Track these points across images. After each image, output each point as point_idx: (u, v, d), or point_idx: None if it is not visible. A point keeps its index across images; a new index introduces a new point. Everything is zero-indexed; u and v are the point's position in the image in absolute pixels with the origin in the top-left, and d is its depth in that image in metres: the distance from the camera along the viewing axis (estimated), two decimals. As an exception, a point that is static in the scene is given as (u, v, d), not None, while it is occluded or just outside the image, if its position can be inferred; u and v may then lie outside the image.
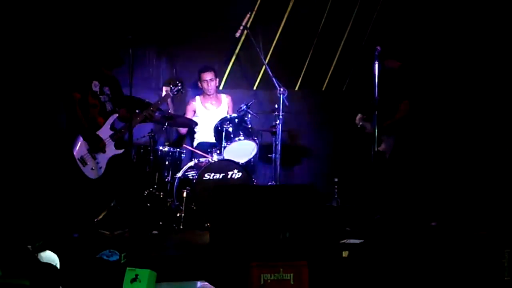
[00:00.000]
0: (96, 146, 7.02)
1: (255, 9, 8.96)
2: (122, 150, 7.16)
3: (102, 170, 7.05)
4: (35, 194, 7.62)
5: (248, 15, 8.36)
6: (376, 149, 6.99)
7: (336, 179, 8.63)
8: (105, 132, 7.13)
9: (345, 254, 5.98)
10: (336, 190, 8.61)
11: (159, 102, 7.46)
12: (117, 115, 7.20)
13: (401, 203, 7.34)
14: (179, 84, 7.63)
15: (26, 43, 7.95)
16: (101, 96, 7.21)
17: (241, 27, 8.32)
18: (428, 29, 8.76)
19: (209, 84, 8.32)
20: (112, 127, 7.18)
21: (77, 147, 7.00)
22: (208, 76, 8.31)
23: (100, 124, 7.16)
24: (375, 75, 6.80)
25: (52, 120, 8.02)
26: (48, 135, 7.97)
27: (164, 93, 7.74)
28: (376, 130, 6.90)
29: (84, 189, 7.01)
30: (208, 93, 8.38)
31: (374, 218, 7.00)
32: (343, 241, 6.59)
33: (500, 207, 7.75)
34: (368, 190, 7.29)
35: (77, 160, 6.96)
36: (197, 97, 8.43)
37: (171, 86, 7.64)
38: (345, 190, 8.57)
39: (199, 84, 8.37)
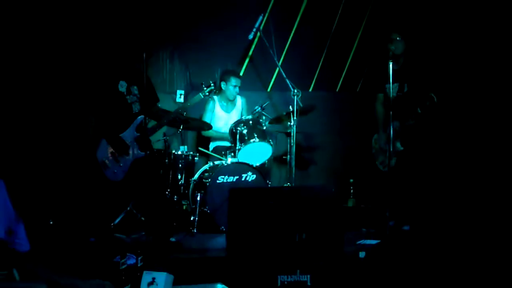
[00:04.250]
0: (119, 149, 7.00)
1: (268, 10, 8.97)
2: (146, 153, 7.14)
3: (125, 173, 7.03)
4: (56, 196, 7.64)
5: (261, 17, 8.36)
6: (392, 150, 6.94)
7: (351, 180, 8.62)
8: (130, 134, 7.10)
9: (362, 255, 5.97)
10: (351, 191, 8.60)
11: (188, 104, 7.44)
12: (143, 116, 7.15)
13: (417, 207, 7.30)
14: (212, 84, 7.55)
15: (54, 47, 8.00)
16: (128, 97, 7.17)
17: (254, 29, 8.32)
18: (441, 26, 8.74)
19: (235, 89, 8.32)
20: (138, 128, 7.13)
21: (101, 150, 6.99)
22: (237, 81, 8.33)
23: (126, 126, 7.13)
24: (389, 75, 6.75)
25: (81, 123, 8.02)
26: (76, 138, 7.98)
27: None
28: (393, 131, 6.84)
29: (104, 192, 7.00)
30: (231, 98, 8.38)
31: (388, 224, 6.97)
32: (360, 242, 6.58)
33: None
34: (383, 191, 7.24)
35: (100, 163, 6.95)
36: (215, 97, 8.42)
37: (203, 86, 7.54)
38: (360, 191, 8.55)
39: (223, 85, 8.35)
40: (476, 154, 8.39)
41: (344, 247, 5.81)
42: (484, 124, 8.37)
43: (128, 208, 7.28)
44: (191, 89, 8.74)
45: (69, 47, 8.09)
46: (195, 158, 7.84)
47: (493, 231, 6.88)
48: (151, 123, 7.35)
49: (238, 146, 7.74)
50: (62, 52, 8.06)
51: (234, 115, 8.31)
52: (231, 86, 8.30)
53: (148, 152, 7.11)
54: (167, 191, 7.46)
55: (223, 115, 8.37)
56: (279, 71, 8.34)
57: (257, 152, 7.87)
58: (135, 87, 7.24)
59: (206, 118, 8.28)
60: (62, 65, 8.07)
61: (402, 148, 7.22)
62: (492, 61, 8.39)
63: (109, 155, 6.98)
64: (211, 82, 7.48)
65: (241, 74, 8.81)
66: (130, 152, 7.06)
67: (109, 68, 7.31)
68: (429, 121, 7.23)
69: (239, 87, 8.36)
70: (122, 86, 7.17)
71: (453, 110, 8.29)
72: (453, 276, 5.83)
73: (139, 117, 7.08)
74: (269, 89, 9.20)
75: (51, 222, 7.10)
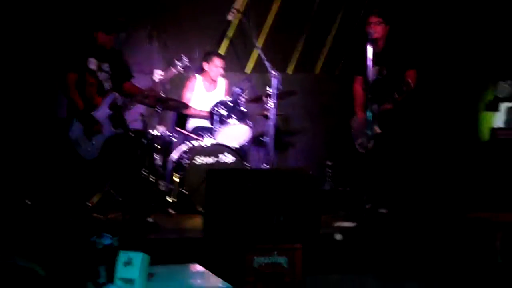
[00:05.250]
0: (90, 128, 6.96)
1: (248, -10, 8.93)
2: (120, 131, 7.10)
3: (98, 151, 6.99)
4: (32, 176, 7.59)
5: (241, -3, 8.33)
6: (371, 133, 6.95)
7: (329, 163, 8.62)
8: (102, 112, 7.06)
9: (338, 237, 5.98)
10: (329, 174, 8.60)
11: (163, 80, 7.40)
12: (116, 94, 7.10)
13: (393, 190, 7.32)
14: (184, 59, 7.47)
15: (18, 24, 7.90)
16: (99, 74, 7.12)
17: (233, 10, 8.28)
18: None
19: (218, 70, 8.28)
20: (111, 106, 7.08)
21: (73, 128, 6.95)
22: (221, 63, 8.28)
23: (98, 104, 7.09)
24: (367, 58, 6.75)
25: (52, 101, 7.96)
26: (49, 118, 7.91)
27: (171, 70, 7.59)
28: (371, 114, 6.85)
29: (79, 171, 6.97)
30: (214, 78, 8.33)
31: (365, 206, 6.99)
32: (337, 224, 6.60)
33: (493, 190, 7.76)
34: (361, 174, 7.26)
35: (72, 142, 6.91)
36: (198, 76, 8.37)
37: (176, 61, 7.47)
38: (338, 174, 8.56)
39: (206, 65, 8.30)
40: (451, 140, 8.48)
41: (321, 230, 5.83)
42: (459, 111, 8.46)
43: (105, 188, 7.23)
44: (170, 69, 8.69)
45: (37, 26, 8.00)
46: (173, 138, 7.80)
47: (467, 213, 6.94)
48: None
49: (216, 127, 7.72)
50: (29, 31, 7.97)
51: (215, 96, 8.26)
52: (214, 66, 8.26)
53: (121, 130, 7.08)
54: (145, 171, 7.43)
55: (204, 95, 8.32)
56: (258, 52, 8.31)
57: (236, 134, 7.86)
58: (106, 65, 7.19)
59: (186, 95, 8.24)
60: (29, 45, 7.98)
61: (380, 131, 7.22)
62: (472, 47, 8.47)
63: (82, 133, 6.94)
64: (182, 57, 7.42)
65: (215, 51, 8.76)
66: (103, 130, 7.03)
67: (77, 46, 7.26)
68: (406, 105, 7.23)
69: (222, 68, 8.33)
70: (92, 63, 7.12)
71: (431, 95, 8.33)
72: (429, 258, 5.87)
73: (111, 94, 7.05)
74: (248, 71, 9.17)
75: (28, 202, 7.05)
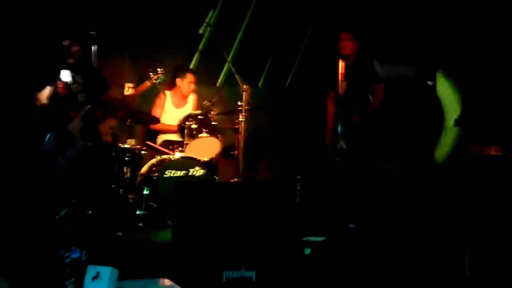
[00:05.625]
0: (63, 140, 6.93)
1: (219, 5, 8.95)
2: (91, 144, 7.08)
3: (70, 163, 6.96)
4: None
5: (211, 12, 8.34)
6: (339, 147, 7.00)
7: (298, 177, 8.64)
8: (75, 125, 7.03)
9: (307, 251, 6.00)
10: (298, 187, 8.62)
11: (134, 94, 7.38)
12: (89, 107, 7.08)
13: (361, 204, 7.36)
14: (159, 71, 7.44)
15: None
16: (72, 86, 7.10)
17: (204, 24, 8.30)
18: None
19: (190, 86, 8.27)
20: (84, 119, 7.06)
21: (47, 141, 6.92)
22: (192, 78, 8.27)
23: (71, 116, 7.06)
24: (338, 74, 6.81)
25: (25, 114, 7.90)
26: (21, 129, 7.85)
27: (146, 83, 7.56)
28: (340, 129, 6.90)
29: (49, 183, 6.93)
30: (186, 93, 8.32)
31: (334, 221, 7.03)
32: (305, 238, 6.62)
33: (462, 204, 7.83)
34: (329, 188, 7.30)
35: (45, 154, 6.88)
36: (167, 92, 8.35)
37: (150, 74, 7.44)
38: (307, 188, 8.59)
39: (179, 81, 8.26)
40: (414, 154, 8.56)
41: (289, 244, 5.84)
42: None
43: (74, 201, 7.20)
44: (141, 82, 8.68)
45: (11, 37, 7.95)
46: (142, 152, 7.78)
47: (435, 229, 6.99)
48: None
49: (186, 141, 7.72)
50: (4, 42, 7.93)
51: (185, 111, 8.26)
52: (187, 82, 8.26)
53: (93, 143, 7.06)
54: (114, 184, 7.41)
55: (173, 111, 8.30)
56: (229, 66, 8.33)
57: (205, 147, 7.85)
58: (79, 77, 7.17)
59: (156, 113, 8.23)
60: (5, 55, 7.92)
61: (345, 146, 7.27)
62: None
63: (54, 145, 6.91)
64: (158, 69, 7.42)
65: (188, 67, 8.78)
66: (76, 143, 7.01)
67: (50, 58, 7.24)
68: (370, 121, 7.28)
69: (194, 83, 8.34)
70: (65, 76, 7.10)
71: (395, 110, 8.41)
72: (397, 273, 5.91)
73: (85, 107, 7.03)
74: (218, 84, 9.19)
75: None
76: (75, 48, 7.20)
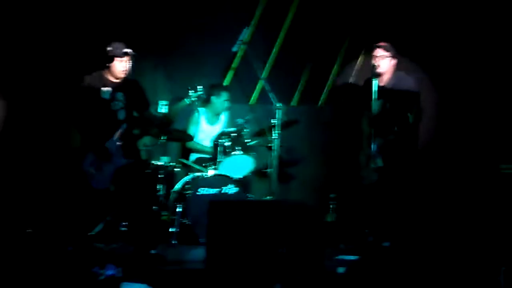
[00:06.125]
0: (101, 158, 6.97)
1: (253, 23, 8.98)
2: (128, 161, 7.10)
3: (108, 181, 7.00)
4: (37, 205, 7.58)
5: (246, 29, 8.35)
6: (375, 165, 6.95)
7: (332, 195, 8.61)
8: (114, 142, 7.07)
9: (341, 270, 5.96)
10: (331, 206, 8.58)
11: (172, 115, 7.41)
12: (126, 125, 7.12)
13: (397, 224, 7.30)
14: (199, 89, 7.48)
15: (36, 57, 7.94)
16: (112, 103, 7.13)
17: (238, 41, 8.32)
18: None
19: (225, 104, 8.33)
20: (122, 136, 7.09)
21: (86, 160, 6.96)
22: (228, 96, 8.35)
23: (111, 133, 7.10)
24: (372, 92, 6.76)
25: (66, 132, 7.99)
26: (62, 147, 7.93)
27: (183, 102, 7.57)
28: (375, 147, 6.85)
29: (87, 200, 6.96)
30: (220, 112, 8.39)
31: (368, 239, 6.97)
32: (339, 257, 6.58)
33: (497, 224, 7.73)
34: (363, 207, 7.25)
35: (84, 171, 6.92)
36: (201, 109, 8.38)
37: (190, 91, 7.46)
38: (341, 206, 8.54)
39: (213, 99, 8.33)
40: (454, 171, 8.46)
41: (323, 262, 5.80)
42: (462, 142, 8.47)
43: (108, 218, 7.22)
44: (174, 100, 8.71)
45: (52, 55, 8.04)
46: (176, 169, 7.80)
47: (471, 249, 6.91)
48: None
49: (220, 158, 7.73)
50: (44, 60, 8.00)
51: (218, 129, 8.28)
52: (222, 100, 8.29)
53: (131, 160, 7.08)
54: (147, 201, 7.42)
55: (207, 128, 8.34)
56: (262, 83, 8.34)
57: (239, 165, 7.86)
58: (121, 94, 7.19)
59: (190, 131, 8.26)
60: (43, 73, 8.00)
61: (382, 165, 7.22)
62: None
63: (93, 163, 6.95)
64: (197, 87, 7.42)
65: (223, 85, 8.80)
66: (113, 160, 7.04)
67: (91, 75, 7.28)
68: (407, 139, 7.23)
69: (228, 101, 8.37)
70: (105, 93, 7.13)
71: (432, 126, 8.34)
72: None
73: (123, 125, 7.06)
74: (252, 102, 9.20)
75: (29, 231, 7.03)
76: (123, 66, 7.20)
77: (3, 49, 7.62)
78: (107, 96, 7.13)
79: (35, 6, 7.80)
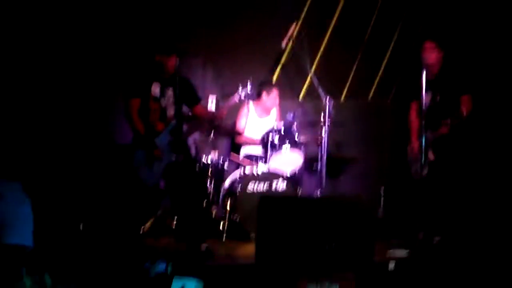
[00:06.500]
0: (150, 154, 7.03)
1: (301, 18, 8.97)
2: (180, 156, 7.14)
3: (158, 177, 7.07)
4: (88, 201, 7.68)
5: (294, 25, 8.32)
6: (424, 160, 6.88)
7: (382, 190, 8.56)
8: (163, 138, 7.12)
9: (391, 266, 5.93)
10: (382, 201, 8.54)
11: (225, 111, 7.46)
12: (175, 122, 7.17)
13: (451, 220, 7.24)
14: (249, 85, 7.49)
15: (89, 56, 8.07)
16: (162, 99, 7.19)
17: (287, 37, 8.30)
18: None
19: (276, 100, 8.38)
20: (172, 132, 7.14)
21: (137, 157, 7.04)
22: (278, 93, 8.38)
23: (160, 130, 7.16)
24: (422, 84, 6.69)
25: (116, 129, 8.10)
26: (110, 143, 8.05)
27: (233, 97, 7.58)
28: (425, 141, 6.77)
29: (137, 196, 7.04)
30: (270, 107, 8.44)
31: (419, 234, 6.91)
32: (390, 252, 6.54)
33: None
34: (414, 201, 7.19)
35: (134, 168, 7.00)
36: (251, 103, 8.43)
37: (240, 88, 7.48)
38: (392, 201, 8.49)
39: (264, 95, 8.37)
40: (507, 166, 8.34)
41: (373, 258, 5.78)
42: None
43: (159, 213, 7.29)
44: (223, 95, 8.75)
45: (100, 52, 8.15)
46: (225, 165, 7.83)
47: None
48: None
49: (269, 154, 7.74)
50: (92, 58, 8.11)
51: (268, 123, 8.29)
52: (273, 97, 8.32)
53: (181, 156, 7.13)
54: (197, 197, 7.47)
55: (257, 122, 8.36)
56: (311, 79, 8.32)
57: (288, 161, 7.86)
58: (170, 90, 7.25)
59: (241, 123, 8.29)
60: (93, 70, 8.11)
61: (433, 158, 7.17)
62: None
63: (143, 159, 7.02)
64: (248, 83, 7.44)
65: (273, 82, 8.81)
66: (163, 156, 7.09)
67: (140, 71, 7.35)
68: (460, 132, 7.16)
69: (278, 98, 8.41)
70: (155, 89, 7.20)
71: (485, 121, 8.23)
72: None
73: (173, 121, 7.12)
74: (300, 98, 9.19)
75: (81, 227, 7.13)
76: (172, 62, 7.26)
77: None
78: (157, 92, 7.19)
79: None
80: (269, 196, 7.22)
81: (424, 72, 6.73)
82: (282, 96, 8.57)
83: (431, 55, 7.22)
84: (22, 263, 4.75)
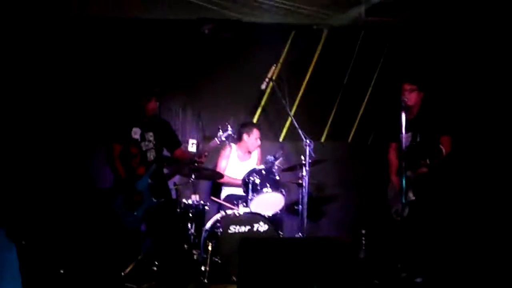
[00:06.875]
0: (130, 199, 7.02)
1: (281, 61, 9.04)
2: (159, 200, 7.13)
3: (139, 221, 7.04)
4: (69, 246, 7.63)
5: (273, 67, 8.38)
6: (405, 200, 6.88)
7: (363, 231, 8.56)
8: (144, 182, 7.11)
9: None
10: (363, 242, 8.53)
11: (205, 154, 7.45)
12: (156, 165, 7.17)
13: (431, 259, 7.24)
14: (229, 128, 7.50)
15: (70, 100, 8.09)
16: (142, 143, 7.20)
17: (267, 79, 8.35)
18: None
19: (257, 141, 8.38)
20: (152, 176, 7.13)
21: (117, 201, 7.02)
22: (259, 134, 8.40)
23: (140, 173, 7.16)
24: (402, 126, 6.73)
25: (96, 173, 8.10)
26: (90, 188, 8.04)
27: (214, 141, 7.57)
28: (405, 181, 6.79)
29: (118, 240, 7.00)
30: (251, 149, 8.44)
31: (401, 275, 6.92)
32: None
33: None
34: (395, 242, 7.19)
35: (116, 213, 6.98)
36: (234, 145, 8.44)
37: (220, 131, 7.49)
38: (373, 242, 8.49)
39: (245, 137, 8.38)
40: (488, 203, 8.37)
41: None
42: (494, 175, 8.38)
43: (139, 257, 7.23)
44: (203, 138, 8.76)
45: (82, 98, 8.18)
46: (206, 207, 7.80)
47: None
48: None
49: (250, 196, 7.73)
50: (74, 103, 8.14)
51: (249, 165, 8.29)
52: (254, 138, 8.33)
53: (162, 199, 7.12)
54: (178, 240, 7.43)
55: (238, 164, 8.37)
56: (291, 120, 8.35)
57: (269, 202, 7.84)
58: (151, 134, 7.26)
59: (222, 164, 8.29)
60: (73, 115, 8.14)
61: (414, 198, 7.18)
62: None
63: (123, 203, 7.00)
64: (228, 126, 7.47)
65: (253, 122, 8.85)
66: (144, 200, 7.07)
67: (121, 115, 7.37)
68: (440, 171, 7.19)
69: (260, 139, 8.41)
70: (136, 133, 7.20)
71: (464, 160, 8.28)
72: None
73: (153, 165, 7.12)
74: (281, 139, 9.22)
75: (62, 271, 7.07)
76: (151, 105, 7.30)
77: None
78: (137, 137, 7.19)
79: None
80: (251, 238, 7.19)
81: (404, 113, 6.77)
82: (262, 137, 8.59)
83: (411, 96, 7.28)
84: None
